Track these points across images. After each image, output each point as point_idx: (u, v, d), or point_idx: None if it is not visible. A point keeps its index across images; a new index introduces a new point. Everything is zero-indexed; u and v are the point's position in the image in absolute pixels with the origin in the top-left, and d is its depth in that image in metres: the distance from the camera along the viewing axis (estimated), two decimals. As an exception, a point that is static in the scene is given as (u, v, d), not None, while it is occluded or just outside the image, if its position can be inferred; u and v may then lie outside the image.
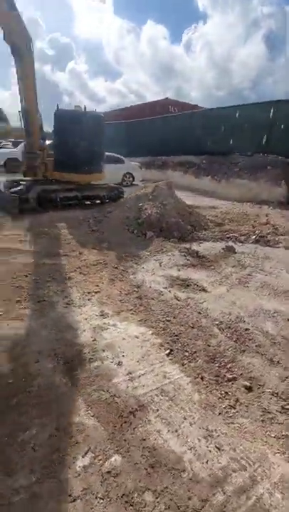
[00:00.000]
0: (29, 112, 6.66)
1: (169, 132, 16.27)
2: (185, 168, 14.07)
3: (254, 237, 6.16)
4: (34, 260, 4.09)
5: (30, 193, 7.01)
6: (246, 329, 2.89)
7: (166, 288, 3.65)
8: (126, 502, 1.35)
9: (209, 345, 2.60)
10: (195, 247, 5.34)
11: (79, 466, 1.50)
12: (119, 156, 12.73)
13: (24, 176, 7.78)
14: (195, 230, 6.34)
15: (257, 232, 6.45)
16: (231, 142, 13.15)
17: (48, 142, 7.91)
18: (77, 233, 5.59)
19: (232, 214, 8.45)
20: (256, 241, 5.96)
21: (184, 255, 4.86)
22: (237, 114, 12.83)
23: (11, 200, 6.86)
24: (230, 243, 5.72)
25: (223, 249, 5.35)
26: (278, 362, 2.44)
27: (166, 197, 6.63)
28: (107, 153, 10.69)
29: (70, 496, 1.37)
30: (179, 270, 4.26)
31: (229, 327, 2.90)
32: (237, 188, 11.56)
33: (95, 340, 2.50)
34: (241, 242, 5.98)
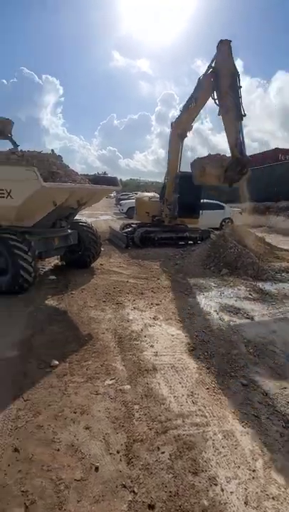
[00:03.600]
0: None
1: (275, 179, 16.39)
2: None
3: None
4: (123, 280, 5.62)
5: (135, 233, 9.06)
6: (272, 351, 3.25)
7: (215, 311, 4.32)
8: (124, 405, 2.30)
9: (229, 353, 3.17)
10: (266, 286, 5.62)
11: (105, 384, 2.56)
12: (219, 203, 13.91)
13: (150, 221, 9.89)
14: (275, 272, 6.51)
15: None
16: None
17: None
18: (163, 265, 6.92)
19: None
20: None
21: (249, 290, 5.29)
22: None
23: (121, 238, 9.09)
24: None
25: (296, 290, 5.40)
26: (285, 377, 2.76)
27: (246, 239, 7.18)
28: (207, 201, 12.24)
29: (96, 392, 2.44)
30: (236, 301, 4.79)
31: (255, 346, 3.33)
32: None
33: (142, 330, 3.57)
34: None
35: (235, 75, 6.77)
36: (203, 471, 1.81)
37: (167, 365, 2.87)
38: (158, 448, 1.95)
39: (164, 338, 3.40)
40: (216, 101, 7.06)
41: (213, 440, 2.03)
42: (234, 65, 6.84)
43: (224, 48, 6.82)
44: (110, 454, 1.92)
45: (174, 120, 8.62)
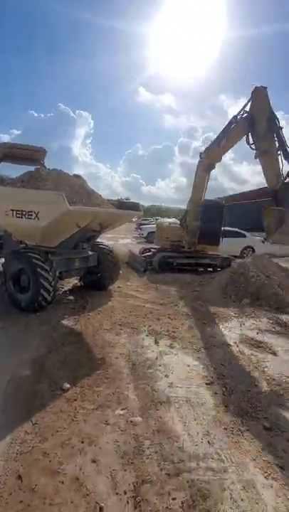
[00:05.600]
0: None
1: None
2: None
3: None
4: (140, 304, 5.55)
5: (154, 257, 9.08)
6: (298, 392, 2.98)
7: (235, 343, 4.10)
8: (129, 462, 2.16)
9: (249, 391, 2.94)
10: (290, 319, 5.31)
11: (115, 413, 2.43)
12: (240, 231, 13.76)
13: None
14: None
15: None
16: None
17: None
18: (181, 291, 6.80)
19: None
20: None
21: (271, 323, 5.02)
22: None
23: (140, 262, 9.12)
24: None
25: None
26: (314, 423, 2.49)
27: (269, 268, 6.94)
28: (228, 229, 12.12)
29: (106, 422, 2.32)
30: (257, 333, 4.54)
31: (280, 385, 3.08)
32: None
33: (157, 358, 3.43)
34: None
35: (272, 120, 6.53)
36: (218, 526, 1.62)
37: (182, 398, 2.70)
38: (169, 493, 1.78)
39: (180, 369, 3.24)
40: (252, 145, 6.76)
41: (231, 490, 1.82)
42: (271, 110, 6.59)
43: (260, 95, 6.64)
44: (117, 493, 1.77)
45: (202, 151, 8.68)
